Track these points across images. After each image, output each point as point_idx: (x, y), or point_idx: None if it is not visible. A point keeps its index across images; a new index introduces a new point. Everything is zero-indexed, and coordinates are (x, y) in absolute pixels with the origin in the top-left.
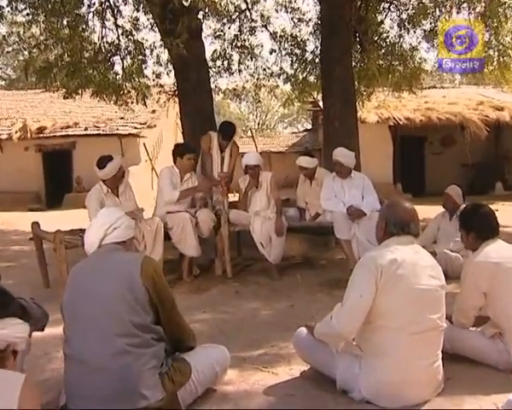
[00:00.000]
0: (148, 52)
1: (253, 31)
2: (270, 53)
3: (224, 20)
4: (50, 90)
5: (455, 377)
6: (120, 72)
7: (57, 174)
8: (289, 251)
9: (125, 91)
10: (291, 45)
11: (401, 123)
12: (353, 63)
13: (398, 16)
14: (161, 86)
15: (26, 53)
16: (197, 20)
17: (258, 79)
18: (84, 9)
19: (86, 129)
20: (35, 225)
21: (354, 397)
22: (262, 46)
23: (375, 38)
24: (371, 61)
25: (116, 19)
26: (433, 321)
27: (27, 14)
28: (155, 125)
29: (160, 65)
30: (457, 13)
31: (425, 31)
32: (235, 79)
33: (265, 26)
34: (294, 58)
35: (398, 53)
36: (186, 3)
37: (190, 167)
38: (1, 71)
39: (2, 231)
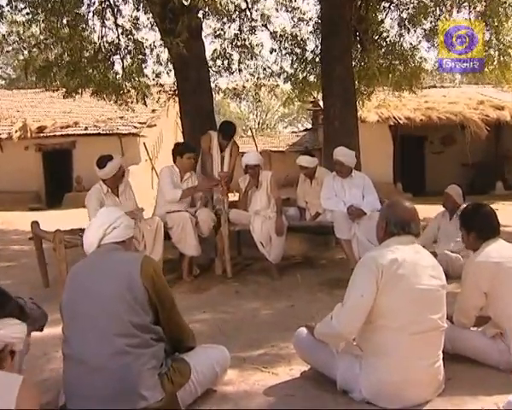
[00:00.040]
0: (148, 51)
1: (253, 30)
2: (271, 52)
3: (224, 20)
4: (50, 90)
5: (456, 378)
6: (120, 71)
7: (57, 174)
8: (289, 251)
9: (125, 91)
10: (291, 45)
11: (401, 122)
12: (353, 63)
13: (399, 15)
14: (161, 86)
15: (25, 52)
16: (197, 19)
17: (258, 78)
18: (83, 9)
19: (86, 128)
20: (34, 224)
21: (355, 397)
22: (262, 45)
23: (376, 38)
24: (371, 61)
25: (116, 18)
26: (434, 321)
27: (27, 14)
28: (155, 125)
29: (160, 64)
30: (458, 12)
31: (425, 30)
32: (236, 79)
33: (265, 26)
34: (295, 57)
35: (399, 52)
36: (186, 3)
37: (190, 167)
38: (1, 70)
39: (3, 231)
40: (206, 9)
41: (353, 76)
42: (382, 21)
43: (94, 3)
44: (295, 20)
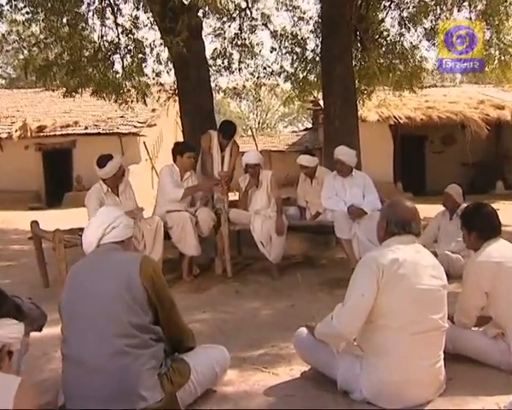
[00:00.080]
0: (147, 51)
1: (253, 29)
2: (271, 51)
3: (225, 19)
4: (50, 89)
5: (457, 378)
6: (120, 70)
7: (57, 173)
8: (290, 250)
9: (125, 90)
10: (291, 44)
11: (402, 122)
12: (354, 62)
13: (399, 14)
14: (161, 85)
15: (25, 51)
16: (197, 18)
17: (258, 77)
18: (83, 8)
19: (86, 128)
20: (34, 224)
21: (355, 398)
22: (262, 45)
23: (376, 37)
24: (372, 60)
25: (116, 17)
26: (435, 321)
27: (27, 13)
28: (155, 124)
29: (160, 63)
30: (458, 11)
31: (426, 29)
32: (236, 78)
33: (266, 25)
34: (295, 57)
35: (399, 51)
36: (186, 2)
37: (190, 166)
38: (1, 70)
39: (2, 230)
40: (207, 8)
41: (354, 75)
42: (383, 20)
43: (94, 2)
44: (295, 19)
